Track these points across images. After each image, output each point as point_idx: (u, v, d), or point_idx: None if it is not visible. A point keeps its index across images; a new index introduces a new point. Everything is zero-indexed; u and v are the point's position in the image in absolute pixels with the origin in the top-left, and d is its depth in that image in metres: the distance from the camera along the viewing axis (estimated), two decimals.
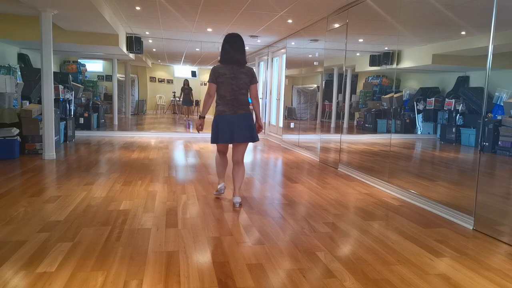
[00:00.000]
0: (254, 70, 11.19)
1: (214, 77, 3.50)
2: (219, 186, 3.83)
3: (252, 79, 3.57)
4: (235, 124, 3.50)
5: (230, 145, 3.71)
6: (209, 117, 3.80)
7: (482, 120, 3.31)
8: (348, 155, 6.19)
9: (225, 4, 5.76)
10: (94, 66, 13.53)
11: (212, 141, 3.59)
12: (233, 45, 3.54)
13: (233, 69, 3.49)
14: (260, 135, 10.13)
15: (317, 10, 5.93)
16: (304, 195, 4.14)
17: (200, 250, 2.56)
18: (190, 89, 13.67)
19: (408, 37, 5.22)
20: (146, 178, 4.65)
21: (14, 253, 2.41)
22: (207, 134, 6.19)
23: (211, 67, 3.58)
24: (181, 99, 14.08)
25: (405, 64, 5.57)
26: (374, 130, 7.21)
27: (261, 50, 10.26)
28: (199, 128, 3.66)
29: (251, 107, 3.64)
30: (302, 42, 7.61)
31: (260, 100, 10.68)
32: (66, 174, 4.73)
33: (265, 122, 10.20)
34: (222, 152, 3.82)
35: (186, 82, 13.55)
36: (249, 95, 3.63)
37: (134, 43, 8.87)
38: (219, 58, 3.60)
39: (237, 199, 3.67)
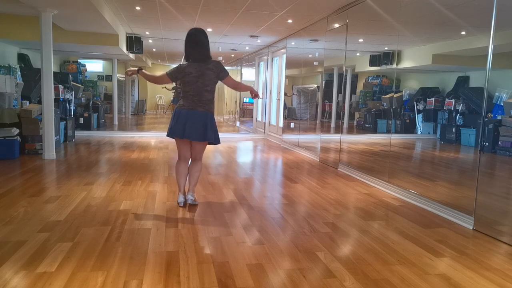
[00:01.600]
0: (254, 70, 11.21)
1: (176, 75, 3.42)
2: (179, 200, 3.58)
3: (219, 73, 3.43)
4: (189, 119, 3.36)
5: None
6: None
7: (482, 120, 3.31)
8: (348, 155, 6.19)
9: (225, 4, 5.76)
10: (94, 66, 13.52)
11: (167, 134, 3.50)
12: (197, 40, 3.38)
13: (199, 66, 3.37)
14: (260, 135, 10.16)
15: (317, 10, 5.93)
16: (304, 195, 4.14)
17: (200, 250, 2.56)
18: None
19: (408, 37, 5.22)
20: (146, 178, 4.65)
21: (14, 253, 2.41)
22: None
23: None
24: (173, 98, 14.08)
25: (405, 64, 5.58)
26: (374, 130, 7.22)
27: (261, 50, 10.26)
28: (128, 72, 3.54)
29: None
30: (302, 42, 7.61)
31: (260, 100, 10.68)
32: (66, 174, 4.73)
33: (265, 122, 10.20)
34: (183, 158, 3.57)
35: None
36: (214, 94, 3.51)
37: (134, 43, 8.86)
38: (184, 55, 3.46)
39: (190, 196, 3.57)
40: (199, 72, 3.37)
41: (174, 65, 3.66)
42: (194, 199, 3.60)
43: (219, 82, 3.54)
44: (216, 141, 3.51)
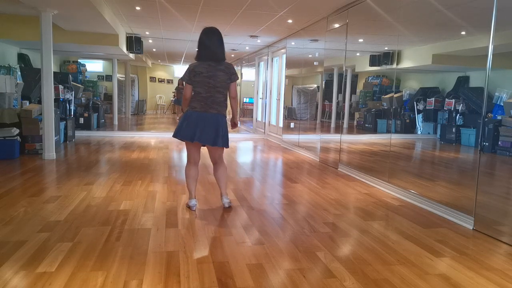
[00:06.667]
0: (254, 70, 11.21)
1: (190, 76, 3.28)
2: (190, 203, 3.45)
3: (231, 76, 3.32)
4: (201, 122, 3.25)
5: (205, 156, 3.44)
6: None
7: (482, 120, 3.31)
8: (348, 155, 6.19)
9: (225, 4, 5.76)
10: (94, 66, 13.54)
11: (173, 134, 3.34)
12: (210, 39, 3.27)
13: (210, 66, 3.25)
14: (260, 135, 10.15)
15: (317, 10, 5.93)
16: (304, 195, 4.13)
17: (200, 250, 2.56)
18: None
19: (408, 37, 5.22)
20: (146, 178, 4.65)
21: (14, 253, 2.41)
22: None
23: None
24: (175, 99, 14.09)
25: (405, 64, 5.57)
26: (374, 130, 7.21)
27: (261, 50, 10.26)
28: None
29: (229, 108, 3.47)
30: (302, 42, 7.61)
31: (260, 100, 10.69)
32: (66, 174, 4.73)
33: (265, 122, 10.20)
34: (193, 162, 3.45)
35: (180, 81, 13.53)
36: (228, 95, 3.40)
37: (134, 43, 8.87)
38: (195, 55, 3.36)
39: (225, 199, 3.53)
40: (210, 73, 3.25)
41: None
42: (229, 201, 3.56)
43: None
44: (225, 145, 3.37)
